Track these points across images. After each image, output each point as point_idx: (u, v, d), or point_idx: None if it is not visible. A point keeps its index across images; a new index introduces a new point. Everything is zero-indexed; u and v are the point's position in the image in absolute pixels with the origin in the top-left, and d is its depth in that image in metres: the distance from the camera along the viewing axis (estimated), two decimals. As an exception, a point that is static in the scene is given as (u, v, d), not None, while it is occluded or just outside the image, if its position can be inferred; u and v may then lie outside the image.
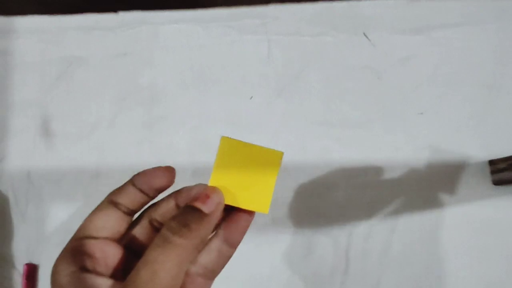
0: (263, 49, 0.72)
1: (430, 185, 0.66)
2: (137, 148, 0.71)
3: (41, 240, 0.69)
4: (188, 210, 0.24)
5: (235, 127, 0.70)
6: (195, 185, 0.27)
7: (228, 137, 0.29)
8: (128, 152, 0.71)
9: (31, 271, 0.67)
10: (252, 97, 0.71)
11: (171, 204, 0.28)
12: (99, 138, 0.72)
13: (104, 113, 0.72)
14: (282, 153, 0.29)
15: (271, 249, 0.66)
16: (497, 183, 0.64)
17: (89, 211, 0.66)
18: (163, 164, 0.30)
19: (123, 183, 0.30)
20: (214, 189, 0.26)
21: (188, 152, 0.70)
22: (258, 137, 0.69)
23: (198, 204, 0.24)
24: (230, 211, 0.28)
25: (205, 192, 0.25)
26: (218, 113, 0.71)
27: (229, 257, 0.28)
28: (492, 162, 0.65)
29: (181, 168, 0.70)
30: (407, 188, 0.66)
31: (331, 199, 0.67)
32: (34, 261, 0.69)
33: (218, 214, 0.25)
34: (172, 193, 0.28)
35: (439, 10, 0.71)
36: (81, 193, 0.70)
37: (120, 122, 0.72)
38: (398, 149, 0.67)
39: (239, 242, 0.28)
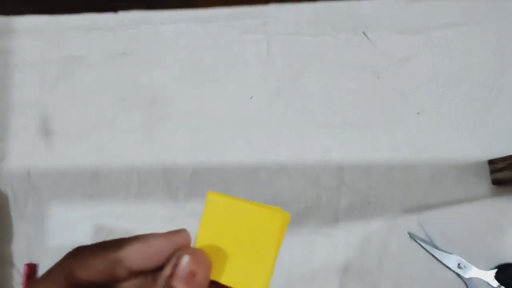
0: (263, 49, 0.72)
1: (430, 185, 0.66)
2: (137, 148, 0.71)
3: (40, 239, 0.69)
4: None
5: (235, 127, 0.70)
6: (168, 242, 0.20)
7: (216, 192, 0.24)
8: (128, 152, 0.71)
9: (32, 271, 0.68)
10: (252, 97, 0.71)
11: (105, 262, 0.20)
12: (99, 138, 0.72)
13: (104, 113, 0.73)
14: (288, 215, 0.23)
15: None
16: (496, 182, 0.64)
17: (89, 212, 0.66)
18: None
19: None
20: (200, 262, 0.20)
21: (188, 152, 0.70)
22: (258, 137, 0.69)
23: (181, 286, 0.19)
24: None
25: (190, 268, 0.20)
26: (218, 113, 0.71)
27: None
28: (491, 162, 0.65)
29: (181, 168, 0.70)
30: (406, 188, 0.66)
31: (330, 199, 0.67)
32: (34, 261, 0.69)
33: None
34: (109, 243, 0.20)
35: (439, 10, 0.71)
36: (81, 193, 0.70)
37: (120, 122, 0.72)
38: (398, 149, 0.67)
39: None
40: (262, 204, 0.24)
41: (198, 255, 0.20)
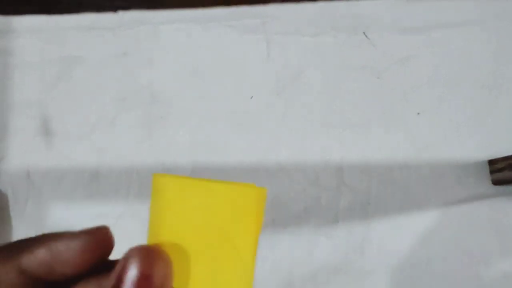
0: (263, 49, 0.72)
1: (430, 185, 0.66)
2: (137, 148, 0.71)
3: (41, 240, 0.69)
4: None
5: (235, 127, 0.70)
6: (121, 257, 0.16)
7: (165, 174, 0.17)
8: (128, 152, 0.71)
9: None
10: (252, 97, 0.71)
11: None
12: (99, 138, 0.72)
13: (104, 113, 0.72)
14: (265, 190, 0.17)
15: (271, 249, 0.66)
16: (496, 182, 0.64)
17: (89, 212, 0.66)
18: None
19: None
20: (155, 259, 0.15)
21: (188, 152, 0.70)
22: (258, 137, 0.69)
23: None
24: None
25: (142, 269, 0.14)
26: (218, 113, 0.71)
27: None
28: (491, 162, 0.65)
29: (180, 168, 0.70)
30: (406, 188, 0.66)
31: (330, 200, 0.67)
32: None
33: None
34: (49, 236, 0.17)
35: (439, 10, 0.71)
36: (81, 193, 0.70)
37: (120, 122, 0.72)
38: (398, 149, 0.67)
39: None
40: (228, 181, 0.17)
41: (151, 251, 0.15)
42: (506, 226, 0.64)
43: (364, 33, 0.71)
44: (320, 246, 0.66)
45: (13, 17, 0.77)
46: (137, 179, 0.69)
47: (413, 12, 0.72)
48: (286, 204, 0.67)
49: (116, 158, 0.70)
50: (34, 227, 0.70)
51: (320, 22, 0.72)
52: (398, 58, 0.70)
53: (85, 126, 0.72)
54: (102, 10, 0.75)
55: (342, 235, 0.65)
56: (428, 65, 0.70)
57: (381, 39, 0.71)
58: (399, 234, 0.65)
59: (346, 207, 0.66)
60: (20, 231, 0.70)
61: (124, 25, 0.75)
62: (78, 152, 0.71)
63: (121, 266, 0.15)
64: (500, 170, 0.63)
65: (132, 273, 0.15)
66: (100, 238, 0.17)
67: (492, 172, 0.64)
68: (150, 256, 0.15)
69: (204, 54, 0.73)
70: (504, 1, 0.70)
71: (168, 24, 0.75)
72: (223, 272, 0.16)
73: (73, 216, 0.69)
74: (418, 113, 0.68)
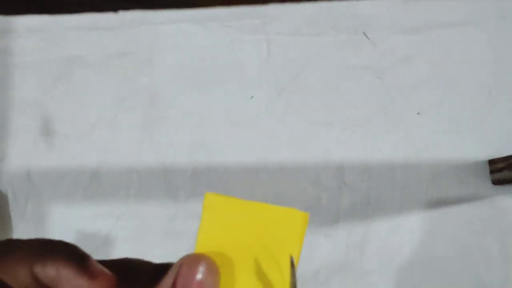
0: (263, 49, 0.72)
1: (430, 185, 0.66)
2: (137, 148, 0.71)
3: (41, 240, 0.69)
4: None
5: (235, 127, 0.70)
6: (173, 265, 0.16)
7: (215, 193, 0.19)
8: (128, 152, 0.71)
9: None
10: (252, 97, 0.71)
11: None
12: (99, 138, 0.72)
13: (104, 113, 0.72)
14: (308, 215, 0.20)
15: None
16: (496, 182, 0.64)
17: (89, 212, 0.66)
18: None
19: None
20: (207, 267, 0.16)
21: (188, 152, 0.70)
22: (258, 137, 0.69)
23: None
24: None
25: (198, 277, 0.15)
26: (218, 113, 0.71)
27: None
28: (491, 162, 0.65)
29: (181, 168, 0.70)
30: (406, 188, 0.66)
31: (330, 199, 0.67)
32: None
33: None
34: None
35: (439, 10, 0.71)
36: (81, 193, 0.70)
37: (120, 122, 0.72)
38: (398, 149, 0.67)
39: None
40: (271, 204, 0.20)
41: (202, 260, 0.16)
42: (506, 226, 0.64)
43: (364, 33, 0.71)
44: (320, 246, 0.66)
45: (13, 17, 0.77)
46: (137, 179, 0.69)
47: (413, 12, 0.72)
48: (286, 204, 0.67)
49: (116, 158, 0.70)
50: (34, 227, 0.70)
51: (320, 22, 0.72)
52: (398, 58, 0.70)
53: (85, 126, 0.72)
54: (102, 10, 0.75)
55: (342, 235, 0.65)
56: (428, 65, 0.70)
57: (381, 39, 0.71)
58: (399, 234, 0.65)
59: (346, 207, 0.66)
60: (20, 231, 0.70)
61: (124, 25, 0.75)
62: (78, 152, 0.71)
63: (174, 272, 0.16)
64: (500, 170, 0.63)
65: (186, 279, 0.15)
66: (104, 285, 0.17)
67: (492, 172, 0.64)
68: (202, 264, 0.16)
69: (204, 54, 0.73)
70: (504, 1, 0.70)
71: (168, 24, 0.75)
72: (265, 283, 0.18)
73: (73, 216, 0.69)
74: (418, 113, 0.68)
